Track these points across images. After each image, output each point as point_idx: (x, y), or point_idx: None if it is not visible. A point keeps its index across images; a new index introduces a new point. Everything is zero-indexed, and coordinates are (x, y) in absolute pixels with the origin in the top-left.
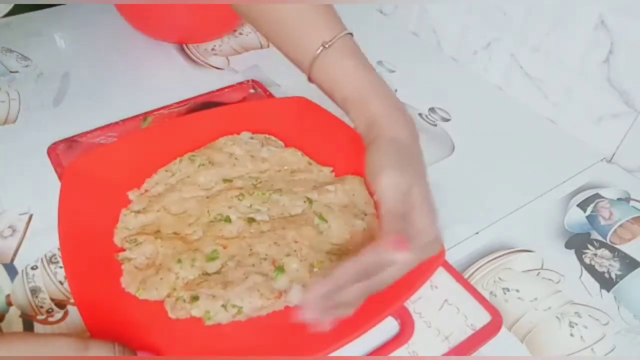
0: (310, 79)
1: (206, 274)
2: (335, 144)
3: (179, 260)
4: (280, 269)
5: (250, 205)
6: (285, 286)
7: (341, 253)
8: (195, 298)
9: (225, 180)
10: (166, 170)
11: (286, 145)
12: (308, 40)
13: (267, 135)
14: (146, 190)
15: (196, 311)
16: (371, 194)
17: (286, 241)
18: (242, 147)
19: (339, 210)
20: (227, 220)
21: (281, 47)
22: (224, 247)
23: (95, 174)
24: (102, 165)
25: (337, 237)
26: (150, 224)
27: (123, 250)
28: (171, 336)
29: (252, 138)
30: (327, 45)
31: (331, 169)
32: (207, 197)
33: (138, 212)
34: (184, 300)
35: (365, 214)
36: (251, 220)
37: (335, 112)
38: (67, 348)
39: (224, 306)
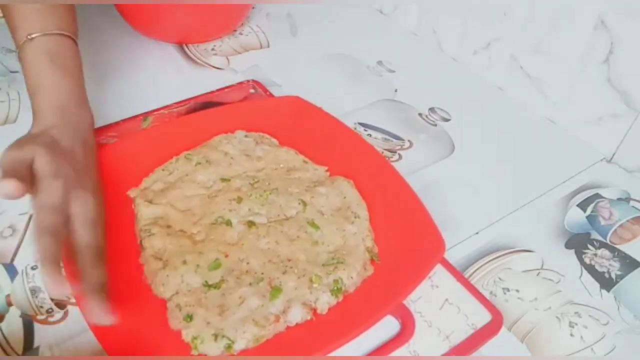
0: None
1: (207, 285)
2: (329, 143)
3: (185, 262)
4: (276, 290)
5: (249, 209)
6: (282, 307)
7: (337, 263)
8: (189, 317)
9: (223, 180)
10: (163, 169)
11: (281, 144)
12: (21, 26)
13: (262, 134)
14: (145, 188)
15: (186, 333)
16: (363, 196)
17: (280, 258)
18: (236, 146)
19: (331, 214)
20: (228, 224)
21: (7, 21)
22: (226, 256)
23: None
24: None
25: (330, 243)
26: (162, 217)
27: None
28: (162, 343)
29: (246, 136)
30: (30, 38)
31: (326, 168)
32: (209, 197)
33: (150, 201)
34: (180, 310)
35: (357, 216)
36: (251, 223)
37: (332, 111)
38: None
39: (215, 335)
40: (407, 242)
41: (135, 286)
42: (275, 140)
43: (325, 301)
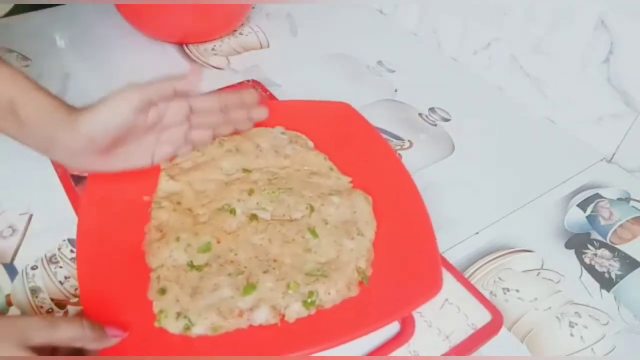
0: None
1: (191, 265)
2: (364, 155)
3: (178, 239)
4: (250, 286)
5: (258, 203)
6: (251, 304)
7: (320, 275)
8: (163, 290)
9: (244, 170)
10: (198, 150)
11: (316, 147)
12: None
13: (299, 134)
14: (175, 164)
15: (155, 305)
16: (378, 216)
17: (267, 257)
18: (269, 141)
19: (335, 225)
20: (232, 212)
21: None
22: (218, 242)
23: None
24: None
25: (324, 254)
26: (176, 193)
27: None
28: (141, 316)
29: (282, 133)
30: None
31: (350, 179)
32: (226, 183)
33: (172, 176)
34: (158, 282)
35: (360, 234)
36: (253, 217)
37: (376, 123)
38: (35, 327)
39: (177, 314)
40: (404, 273)
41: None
42: (311, 143)
43: (294, 310)
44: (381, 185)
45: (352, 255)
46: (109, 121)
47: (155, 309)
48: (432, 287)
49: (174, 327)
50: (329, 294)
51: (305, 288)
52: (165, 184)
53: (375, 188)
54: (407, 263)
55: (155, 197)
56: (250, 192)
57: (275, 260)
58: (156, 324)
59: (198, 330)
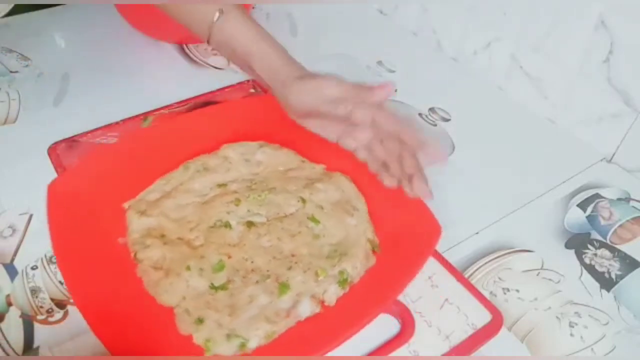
0: (209, 42)
1: (213, 287)
2: (327, 142)
3: (188, 267)
4: (283, 286)
5: (248, 210)
6: (292, 302)
7: (341, 255)
8: (200, 320)
9: (219, 185)
10: (162, 179)
11: (281, 144)
12: (205, 9)
13: (262, 142)
14: (141, 199)
15: (197, 337)
16: (360, 190)
17: (284, 254)
18: (237, 150)
19: (331, 208)
20: (227, 226)
21: (180, 18)
22: (228, 257)
23: (83, 188)
24: (88, 180)
25: (333, 235)
26: (155, 228)
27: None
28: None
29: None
30: (223, 12)
31: (323, 166)
32: (203, 203)
33: (141, 213)
34: (189, 314)
35: (356, 209)
36: (250, 224)
37: None
38: None
39: (227, 336)
40: (404, 231)
41: (137, 297)
42: (277, 145)
43: (333, 292)
44: (352, 163)
45: (358, 229)
46: (304, 99)
47: (199, 340)
48: (434, 232)
49: (227, 349)
50: (356, 268)
51: (333, 270)
52: (137, 223)
53: (348, 167)
54: (402, 222)
55: (131, 238)
56: (237, 202)
57: (293, 255)
58: (207, 354)
59: (253, 343)
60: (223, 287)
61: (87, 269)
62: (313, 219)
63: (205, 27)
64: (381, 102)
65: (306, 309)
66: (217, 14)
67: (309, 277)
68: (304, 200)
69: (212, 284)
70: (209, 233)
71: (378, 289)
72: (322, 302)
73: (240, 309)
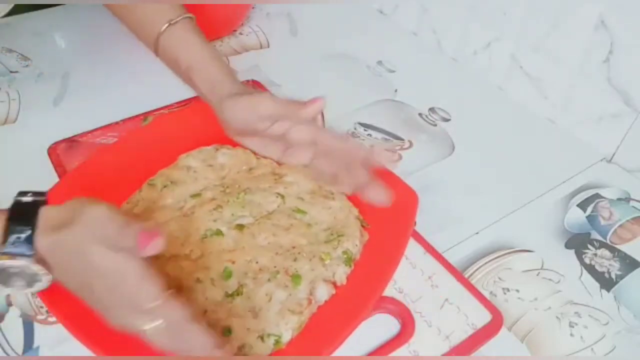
0: (156, 52)
1: (228, 294)
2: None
3: (199, 280)
4: (296, 277)
5: (232, 214)
6: (309, 289)
7: (338, 236)
8: (228, 330)
9: (193, 196)
10: (128, 203)
11: (230, 144)
12: (155, 18)
13: (216, 145)
14: None
15: (232, 345)
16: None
17: (285, 248)
18: (196, 157)
19: (310, 197)
20: (219, 233)
21: (130, 26)
22: (232, 263)
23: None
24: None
25: (323, 221)
26: None
27: None
28: None
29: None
30: (172, 23)
31: (270, 160)
32: (184, 216)
33: None
34: (215, 327)
35: (332, 193)
36: (240, 226)
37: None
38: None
39: (261, 337)
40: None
41: None
42: (229, 146)
43: (342, 272)
44: None
45: (343, 211)
46: (238, 116)
47: (233, 350)
48: (412, 198)
49: (264, 349)
50: (356, 245)
51: (337, 252)
52: None
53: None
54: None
55: None
56: (218, 208)
57: (293, 247)
58: None
59: (286, 337)
60: (238, 293)
61: None
62: (299, 210)
63: (153, 38)
64: (314, 117)
65: (323, 292)
66: (165, 25)
67: (316, 264)
68: (282, 196)
69: (226, 292)
70: (203, 244)
71: (380, 259)
72: (334, 284)
73: (262, 309)
